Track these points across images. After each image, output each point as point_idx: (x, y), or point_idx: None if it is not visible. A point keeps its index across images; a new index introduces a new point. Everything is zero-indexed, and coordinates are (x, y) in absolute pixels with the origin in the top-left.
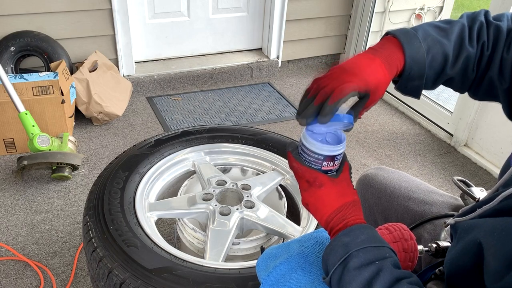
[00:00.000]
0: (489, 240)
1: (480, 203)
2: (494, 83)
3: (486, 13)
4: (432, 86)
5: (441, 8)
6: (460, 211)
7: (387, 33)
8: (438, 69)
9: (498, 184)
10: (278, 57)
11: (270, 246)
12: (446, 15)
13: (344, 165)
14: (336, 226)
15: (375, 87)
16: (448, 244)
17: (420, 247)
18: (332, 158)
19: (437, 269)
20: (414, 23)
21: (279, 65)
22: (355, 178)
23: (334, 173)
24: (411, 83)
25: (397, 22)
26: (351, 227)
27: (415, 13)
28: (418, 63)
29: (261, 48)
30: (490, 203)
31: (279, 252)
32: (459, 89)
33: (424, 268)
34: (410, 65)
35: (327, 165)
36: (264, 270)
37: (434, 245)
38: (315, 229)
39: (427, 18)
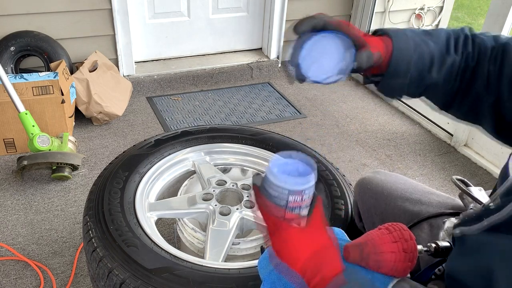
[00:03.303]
0: (501, 264)
1: (486, 212)
2: (481, 98)
3: (470, 29)
4: (416, 89)
5: (441, 8)
6: (464, 216)
7: (376, 31)
8: (423, 69)
9: (498, 193)
10: (278, 57)
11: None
12: (446, 15)
13: (316, 201)
14: (312, 280)
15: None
16: (447, 244)
17: (419, 247)
18: (299, 192)
19: (436, 269)
20: (414, 23)
21: (279, 65)
22: (355, 178)
23: (305, 210)
24: (395, 80)
25: (397, 22)
26: None
27: (415, 13)
28: (404, 57)
29: (261, 48)
30: (498, 214)
31: None
32: (441, 101)
33: (424, 268)
34: (396, 59)
35: (294, 200)
36: (266, 268)
37: (434, 245)
38: None
39: (427, 18)
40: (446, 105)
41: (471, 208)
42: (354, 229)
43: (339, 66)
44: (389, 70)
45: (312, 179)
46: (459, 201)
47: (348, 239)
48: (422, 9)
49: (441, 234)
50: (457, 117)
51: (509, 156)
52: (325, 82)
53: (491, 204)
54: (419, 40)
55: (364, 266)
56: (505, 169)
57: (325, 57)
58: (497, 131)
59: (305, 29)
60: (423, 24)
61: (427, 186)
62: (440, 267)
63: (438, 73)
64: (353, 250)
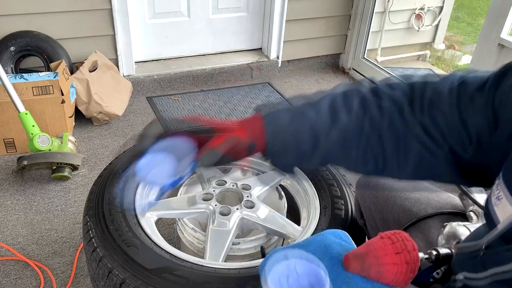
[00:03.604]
0: None
1: (487, 258)
2: (430, 154)
3: (371, 82)
4: (310, 161)
5: (441, 8)
6: (460, 251)
7: (256, 108)
8: (306, 144)
9: (495, 234)
10: (278, 57)
11: (274, 249)
12: (446, 15)
13: None
14: None
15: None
16: (448, 251)
17: (420, 255)
18: None
19: (434, 272)
20: (414, 23)
21: (279, 65)
22: (355, 178)
23: None
24: (281, 159)
25: (397, 22)
26: None
27: (415, 13)
28: (278, 137)
29: (261, 48)
30: (504, 267)
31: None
32: (356, 167)
33: (424, 268)
34: (271, 140)
35: None
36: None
37: (434, 252)
38: (315, 229)
39: (427, 18)
40: (374, 169)
41: (470, 221)
42: (355, 228)
43: (177, 170)
44: (268, 151)
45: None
46: (459, 201)
47: (352, 241)
48: (422, 9)
49: (440, 238)
50: (404, 179)
51: (488, 197)
52: (164, 186)
53: (486, 250)
54: (295, 115)
55: (365, 276)
56: (488, 210)
57: (164, 163)
58: (464, 176)
59: (148, 143)
60: (423, 24)
61: (429, 185)
62: (439, 270)
63: (327, 142)
64: (354, 261)
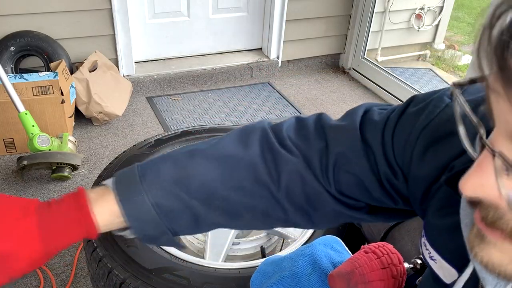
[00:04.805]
0: None
1: None
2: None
3: (266, 135)
4: (198, 229)
5: (441, 8)
6: None
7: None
8: (186, 218)
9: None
10: (278, 57)
11: (265, 260)
12: (446, 15)
13: None
14: None
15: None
16: None
17: (405, 265)
18: None
19: (417, 280)
20: (414, 23)
21: (279, 65)
22: None
23: None
24: (162, 239)
25: (397, 22)
26: None
27: (415, 13)
28: (148, 221)
29: (261, 48)
30: None
31: (272, 269)
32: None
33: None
34: (140, 227)
35: None
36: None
37: (419, 261)
38: (313, 231)
39: (427, 18)
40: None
41: None
42: (352, 228)
43: None
44: (141, 237)
45: None
46: None
47: (345, 247)
48: (422, 9)
49: (423, 240)
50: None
51: (421, 250)
52: None
53: None
54: (164, 188)
55: None
56: (429, 266)
57: None
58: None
59: None
60: (423, 24)
61: None
62: (421, 278)
63: (212, 213)
64: (340, 281)
